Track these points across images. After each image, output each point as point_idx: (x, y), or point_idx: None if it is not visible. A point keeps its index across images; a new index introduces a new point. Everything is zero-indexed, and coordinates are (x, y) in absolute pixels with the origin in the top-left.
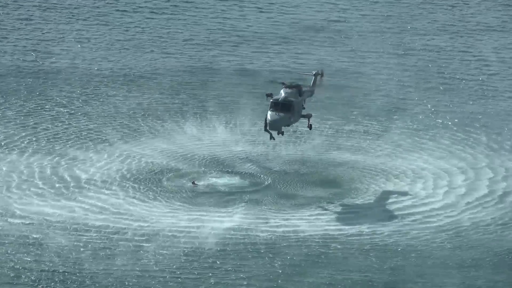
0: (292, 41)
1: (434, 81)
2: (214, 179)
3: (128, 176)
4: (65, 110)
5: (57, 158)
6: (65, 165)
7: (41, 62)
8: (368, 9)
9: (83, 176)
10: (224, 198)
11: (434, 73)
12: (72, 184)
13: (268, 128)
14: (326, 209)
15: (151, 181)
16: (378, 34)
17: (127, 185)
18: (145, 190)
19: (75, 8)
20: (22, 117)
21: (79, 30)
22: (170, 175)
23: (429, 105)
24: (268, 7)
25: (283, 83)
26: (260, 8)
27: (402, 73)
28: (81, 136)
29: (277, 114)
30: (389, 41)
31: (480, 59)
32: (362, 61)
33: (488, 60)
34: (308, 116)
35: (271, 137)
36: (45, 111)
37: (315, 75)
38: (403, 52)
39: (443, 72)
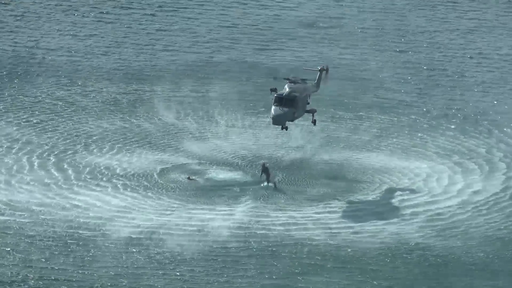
0: (293, 37)
1: (434, 78)
2: (214, 174)
3: (120, 172)
4: (62, 104)
5: (46, 152)
6: (54, 160)
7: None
8: (367, 5)
9: (72, 172)
10: (225, 194)
11: (435, 70)
12: (62, 180)
13: (271, 123)
14: (332, 207)
15: (145, 176)
16: (377, 30)
17: (120, 181)
18: (138, 185)
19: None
20: (17, 112)
21: (77, 24)
22: (162, 168)
23: (430, 103)
24: (270, 3)
25: (287, 78)
26: (263, 4)
27: (403, 70)
28: (77, 131)
29: (280, 109)
30: (388, 38)
31: (483, 56)
32: (362, 57)
33: (491, 58)
34: (312, 111)
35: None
36: (41, 105)
37: (320, 70)
38: (401, 49)
39: (446, 69)
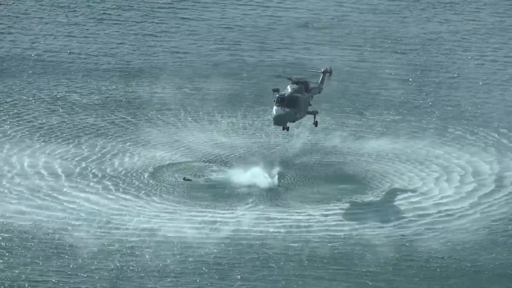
0: (294, 38)
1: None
2: (214, 174)
3: (115, 172)
4: (61, 103)
5: (38, 152)
6: (45, 160)
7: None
8: (366, 4)
9: (63, 172)
10: (224, 195)
11: (434, 69)
12: (54, 181)
13: (272, 123)
14: (333, 208)
15: (139, 177)
16: (377, 29)
17: (118, 182)
18: (137, 186)
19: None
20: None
21: (78, 24)
22: (159, 167)
23: (430, 101)
24: (269, 3)
25: (290, 79)
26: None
27: (402, 70)
28: (70, 130)
29: (282, 109)
30: (387, 37)
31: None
32: (361, 58)
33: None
34: (314, 113)
35: (284, 128)
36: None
37: (324, 72)
38: (402, 50)
39: (444, 68)
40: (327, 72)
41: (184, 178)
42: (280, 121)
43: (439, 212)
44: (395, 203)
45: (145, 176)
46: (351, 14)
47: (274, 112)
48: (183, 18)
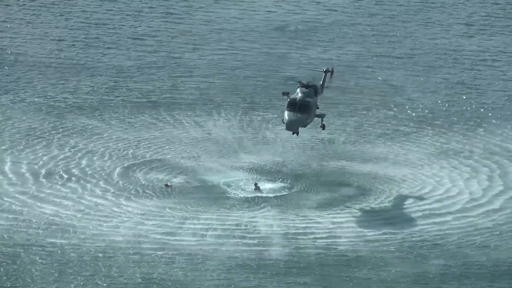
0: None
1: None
2: (212, 175)
3: (104, 174)
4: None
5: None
6: (42, 162)
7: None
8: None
9: (44, 175)
10: (227, 200)
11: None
12: (34, 183)
13: (285, 128)
14: (336, 213)
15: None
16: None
17: (100, 184)
18: (122, 190)
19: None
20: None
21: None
22: (149, 169)
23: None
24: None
25: (299, 82)
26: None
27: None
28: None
29: (294, 114)
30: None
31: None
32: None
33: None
34: (321, 116)
35: (294, 132)
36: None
37: (325, 72)
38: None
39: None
40: (329, 72)
41: (166, 185)
42: (292, 126)
43: (444, 216)
44: (404, 208)
45: (139, 179)
46: (345, 17)
47: (286, 117)
48: (180, 18)
